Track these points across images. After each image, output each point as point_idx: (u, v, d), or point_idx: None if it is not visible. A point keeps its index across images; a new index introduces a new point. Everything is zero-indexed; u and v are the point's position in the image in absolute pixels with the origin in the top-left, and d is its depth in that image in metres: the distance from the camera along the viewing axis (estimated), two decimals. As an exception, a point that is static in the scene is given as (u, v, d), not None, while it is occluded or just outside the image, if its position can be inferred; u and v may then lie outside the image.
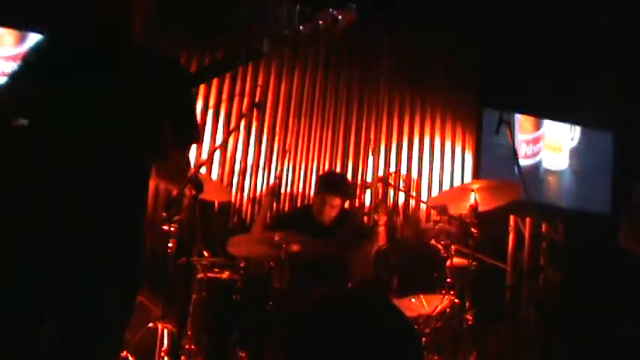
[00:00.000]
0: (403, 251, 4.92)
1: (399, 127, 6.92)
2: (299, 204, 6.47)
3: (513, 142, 5.36)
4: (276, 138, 6.52)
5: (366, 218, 6.28)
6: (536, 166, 7.24)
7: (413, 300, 4.95)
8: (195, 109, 2.80)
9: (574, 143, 7.45)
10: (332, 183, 5.55)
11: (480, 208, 5.02)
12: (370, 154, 6.71)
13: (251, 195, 6.40)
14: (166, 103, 2.33)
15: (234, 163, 6.41)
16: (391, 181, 6.53)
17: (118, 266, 2.39)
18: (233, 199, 6.33)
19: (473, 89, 7.17)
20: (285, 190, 6.46)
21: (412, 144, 6.93)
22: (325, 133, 6.68)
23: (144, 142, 2.34)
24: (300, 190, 6.52)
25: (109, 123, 2.34)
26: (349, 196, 5.65)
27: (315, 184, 5.77)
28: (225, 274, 4.83)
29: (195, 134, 2.70)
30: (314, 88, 6.73)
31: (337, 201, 5.39)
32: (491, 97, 7.01)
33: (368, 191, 6.55)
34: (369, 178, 6.68)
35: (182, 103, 2.49)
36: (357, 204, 6.47)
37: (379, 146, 6.79)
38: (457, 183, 6.94)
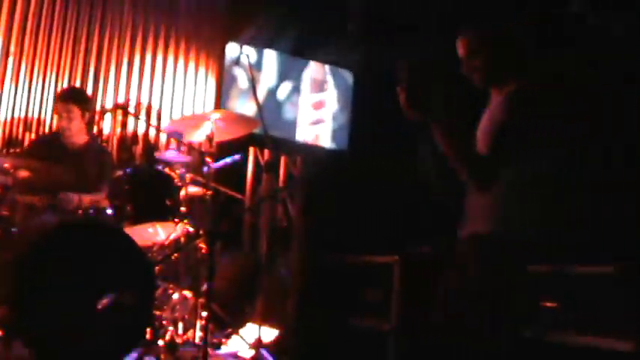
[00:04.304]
0: (137, 179, 4.91)
1: (142, 53, 6.76)
2: (34, 130, 6.17)
3: (252, 75, 5.47)
4: (11, 57, 6.13)
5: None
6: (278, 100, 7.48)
7: (150, 230, 4.98)
8: None
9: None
10: (66, 92, 5.49)
11: (218, 139, 5.10)
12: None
13: (-13, 117, 6.02)
14: None
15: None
16: (131, 109, 6.45)
17: None
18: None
19: (219, 20, 7.15)
20: (19, 116, 6.13)
21: (154, 71, 6.82)
22: (64, 56, 6.35)
23: None
24: (37, 115, 6.20)
25: None
26: (88, 105, 5.50)
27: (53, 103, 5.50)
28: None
29: None
30: (53, 6, 6.34)
31: (74, 109, 5.27)
32: (237, 30, 7.06)
33: (107, 116, 6.40)
34: (108, 105, 6.50)
35: None
36: (95, 131, 6.27)
37: (120, 72, 6.63)
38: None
